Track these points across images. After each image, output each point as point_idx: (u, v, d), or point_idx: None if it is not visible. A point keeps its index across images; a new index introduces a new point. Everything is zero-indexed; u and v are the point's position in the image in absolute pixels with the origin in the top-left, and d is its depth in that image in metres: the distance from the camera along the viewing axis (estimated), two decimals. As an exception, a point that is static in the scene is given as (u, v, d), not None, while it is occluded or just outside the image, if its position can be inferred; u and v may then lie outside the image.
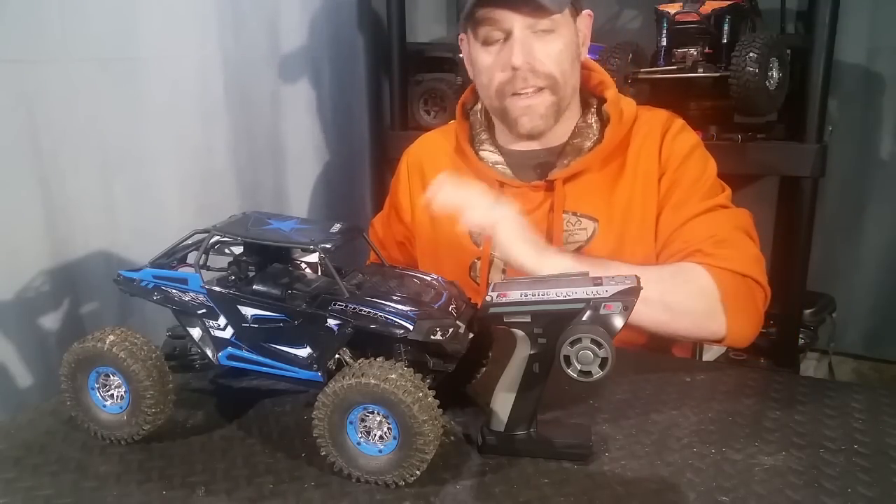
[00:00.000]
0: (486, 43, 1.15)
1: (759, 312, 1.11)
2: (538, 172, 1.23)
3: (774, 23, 1.76)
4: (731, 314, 1.05)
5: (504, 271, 1.23)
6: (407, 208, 1.36)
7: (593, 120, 1.22)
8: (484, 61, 1.16)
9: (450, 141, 1.33)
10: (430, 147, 1.37)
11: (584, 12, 1.19)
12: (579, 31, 1.18)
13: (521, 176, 1.24)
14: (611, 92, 1.22)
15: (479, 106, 1.31)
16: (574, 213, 1.20)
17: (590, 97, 1.25)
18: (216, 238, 0.87)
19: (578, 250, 1.18)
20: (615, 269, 0.97)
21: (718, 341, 1.09)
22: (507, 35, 1.12)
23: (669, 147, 1.18)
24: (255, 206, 1.49)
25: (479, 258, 1.24)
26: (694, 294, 1.05)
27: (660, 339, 1.21)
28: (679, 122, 1.22)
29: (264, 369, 0.85)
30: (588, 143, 1.21)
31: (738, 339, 1.09)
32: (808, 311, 1.76)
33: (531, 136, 1.20)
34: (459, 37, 1.26)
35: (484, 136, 1.28)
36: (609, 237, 1.18)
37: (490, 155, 1.26)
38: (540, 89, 1.14)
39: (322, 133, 1.94)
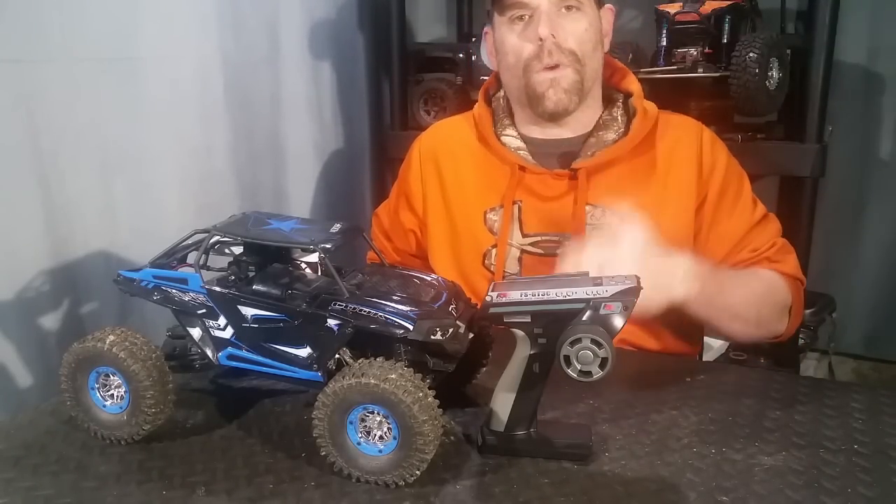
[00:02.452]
0: (512, 22, 1.17)
1: (803, 309, 1.24)
2: (560, 161, 1.22)
3: (774, 23, 1.75)
4: (792, 317, 1.20)
5: (520, 260, 1.22)
6: (419, 196, 1.33)
7: (619, 113, 1.23)
8: (510, 40, 1.18)
9: (468, 127, 1.32)
10: (445, 134, 1.35)
11: (606, 6, 1.21)
12: (603, 21, 1.20)
13: (544, 163, 1.23)
14: (636, 86, 1.23)
15: (501, 92, 1.31)
16: (598, 207, 1.19)
17: (614, 93, 1.26)
18: (216, 238, 0.87)
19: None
20: (729, 276, 1.12)
21: (773, 338, 1.22)
22: (535, 13, 1.14)
23: (711, 155, 1.19)
24: (255, 206, 1.49)
25: (494, 246, 1.24)
26: (778, 308, 1.18)
27: (664, 341, 1.22)
28: (709, 130, 1.24)
29: (264, 369, 0.85)
30: (612, 136, 1.21)
31: (788, 334, 1.22)
32: (808, 311, 1.76)
33: (554, 116, 1.20)
34: (484, 30, 1.27)
35: (507, 122, 1.27)
36: None
37: (512, 140, 1.25)
38: (564, 65, 1.15)
39: (322, 133, 1.94)
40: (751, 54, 1.42)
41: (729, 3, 1.57)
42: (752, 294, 1.14)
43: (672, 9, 1.60)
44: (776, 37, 1.49)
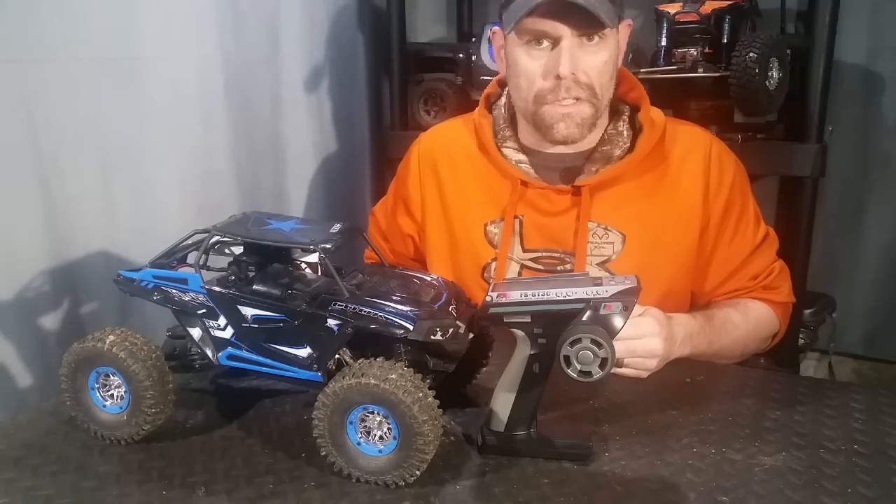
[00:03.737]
0: (530, 47, 1.10)
1: (787, 326, 1.26)
2: (563, 176, 1.19)
3: (774, 23, 1.75)
4: (776, 338, 1.25)
5: (519, 274, 1.20)
6: (417, 202, 1.31)
7: (624, 128, 1.19)
8: (526, 65, 1.11)
9: (468, 133, 1.27)
10: (445, 139, 1.32)
11: (624, 21, 1.15)
12: (621, 41, 1.15)
13: (545, 178, 1.20)
14: (644, 100, 1.19)
15: (503, 100, 1.27)
16: (601, 225, 1.16)
17: (620, 104, 1.22)
18: (216, 238, 0.87)
19: (603, 264, 1.17)
20: (720, 326, 1.12)
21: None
22: (555, 42, 1.08)
23: (719, 171, 1.17)
24: (255, 206, 1.49)
25: (494, 259, 1.22)
26: (764, 338, 1.23)
27: None
28: (718, 142, 1.21)
29: (264, 369, 0.85)
30: (618, 152, 1.17)
31: (768, 351, 1.28)
32: (808, 311, 1.76)
33: (564, 143, 1.16)
34: (491, 30, 1.22)
35: (507, 133, 1.23)
36: (637, 253, 1.16)
37: (513, 153, 1.22)
38: (578, 100, 1.11)
39: (322, 133, 1.94)
40: (751, 54, 1.42)
41: (729, 3, 1.57)
42: (740, 337, 1.16)
43: (672, 9, 1.60)
44: (776, 37, 1.49)
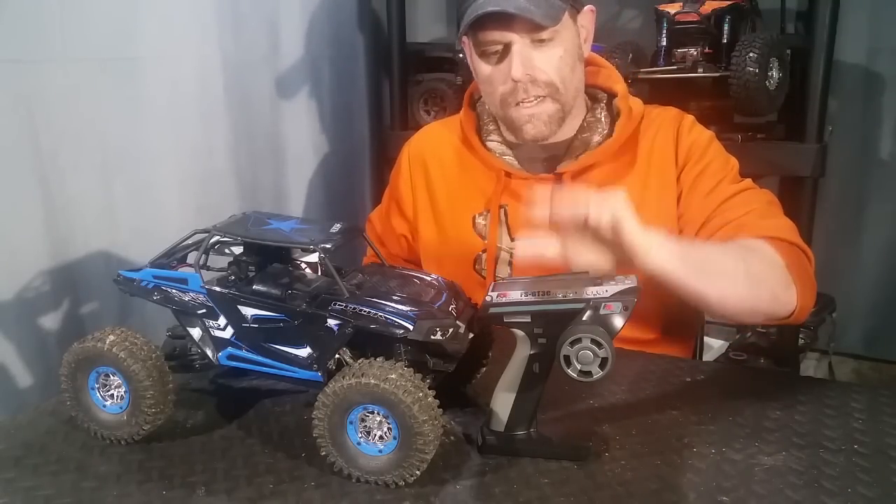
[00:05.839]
0: (485, 56, 1.13)
1: (813, 279, 1.05)
2: (545, 166, 1.22)
3: (774, 23, 1.76)
4: (798, 283, 1.00)
5: (510, 263, 1.22)
6: (409, 201, 1.34)
7: (602, 114, 1.21)
8: (483, 71, 1.15)
9: (454, 132, 1.31)
10: (433, 138, 1.35)
11: (585, 9, 1.17)
12: (582, 29, 1.16)
13: (529, 168, 1.22)
14: (620, 86, 1.21)
15: None
16: None
17: (598, 92, 1.24)
18: (216, 238, 0.87)
19: None
20: (696, 248, 0.95)
21: (788, 316, 1.01)
22: (506, 47, 1.10)
23: (687, 141, 1.18)
24: (255, 206, 1.49)
25: (483, 251, 1.23)
26: (767, 263, 0.99)
27: (661, 339, 1.22)
28: (690, 117, 1.22)
29: (264, 369, 0.85)
30: (597, 138, 1.19)
31: (805, 309, 1.02)
32: (807, 311, 1.76)
33: (535, 142, 1.18)
34: (462, 39, 1.23)
35: (491, 128, 1.26)
36: None
37: (497, 146, 1.25)
38: (541, 98, 1.12)
39: (322, 133, 1.95)
40: (751, 54, 1.42)
41: (729, 3, 1.57)
42: (736, 253, 0.98)
43: (672, 9, 1.61)
44: (776, 37, 1.49)
